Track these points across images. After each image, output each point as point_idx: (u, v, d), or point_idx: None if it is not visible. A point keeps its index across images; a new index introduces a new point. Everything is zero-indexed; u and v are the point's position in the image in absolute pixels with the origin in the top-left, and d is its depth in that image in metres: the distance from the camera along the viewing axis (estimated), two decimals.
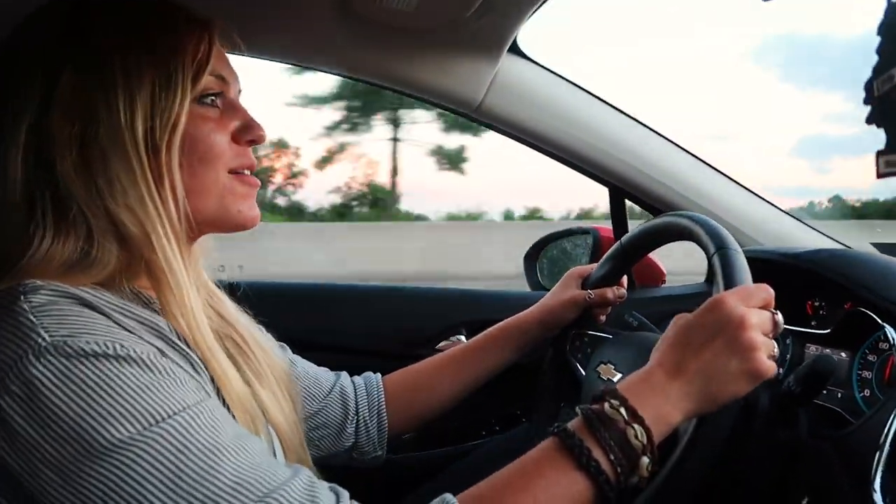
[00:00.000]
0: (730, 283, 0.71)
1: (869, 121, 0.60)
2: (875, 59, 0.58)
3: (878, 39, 0.58)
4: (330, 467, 0.89)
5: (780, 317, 0.68)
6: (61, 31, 0.64)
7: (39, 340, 0.53)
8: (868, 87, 0.60)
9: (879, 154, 0.60)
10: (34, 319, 0.54)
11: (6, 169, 0.62)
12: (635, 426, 0.61)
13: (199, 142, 0.66)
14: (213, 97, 0.69)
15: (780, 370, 0.94)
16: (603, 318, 1.08)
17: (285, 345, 0.96)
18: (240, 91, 0.74)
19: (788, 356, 1.01)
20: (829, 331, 0.95)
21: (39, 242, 0.61)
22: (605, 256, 1.05)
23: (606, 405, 0.63)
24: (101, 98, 0.62)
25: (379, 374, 1.04)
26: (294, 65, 1.20)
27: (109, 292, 0.62)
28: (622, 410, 0.62)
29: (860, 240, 1.40)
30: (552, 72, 1.26)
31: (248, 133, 0.71)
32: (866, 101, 0.60)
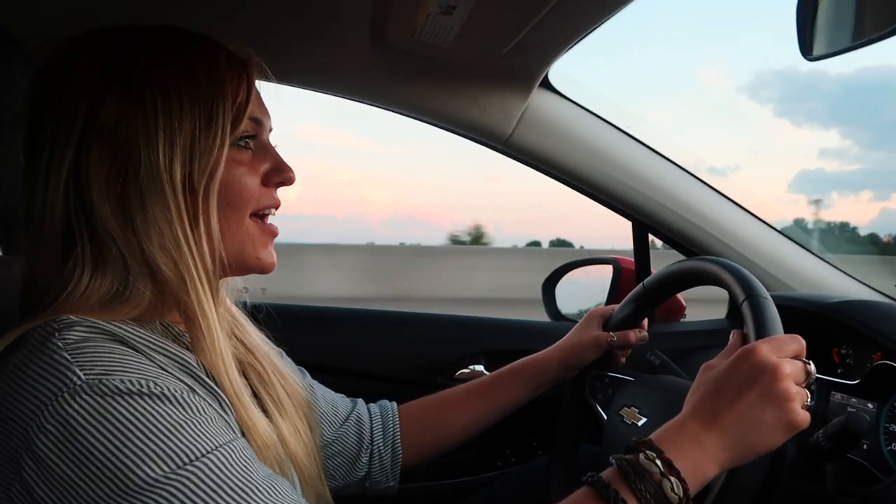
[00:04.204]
0: (761, 332, 0.70)
1: None
2: None
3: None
4: (342, 497, 0.89)
5: (812, 366, 0.68)
6: (106, 63, 0.64)
7: (74, 379, 0.53)
8: None
9: None
10: (69, 357, 0.54)
11: (46, 203, 0.62)
12: (671, 479, 0.60)
13: (232, 186, 0.66)
14: (247, 139, 0.68)
15: None
16: (624, 359, 1.07)
17: (304, 370, 0.96)
18: (271, 130, 0.74)
19: (813, 404, 1.00)
20: (857, 382, 0.94)
21: (79, 278, 0.61)
22: (627, 298, 1.04)
23: (642, 456, 0.62)
24: (142, 137, 0.61)
25: (395, 403, 1.04)
26: (328, 94, 1.21)
27: (141, 327, 0.62)
28: (658, 462, 0.61)
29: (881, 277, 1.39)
30: (581, 107, 1.27)
31: (277, 175, 0.71)
32: None
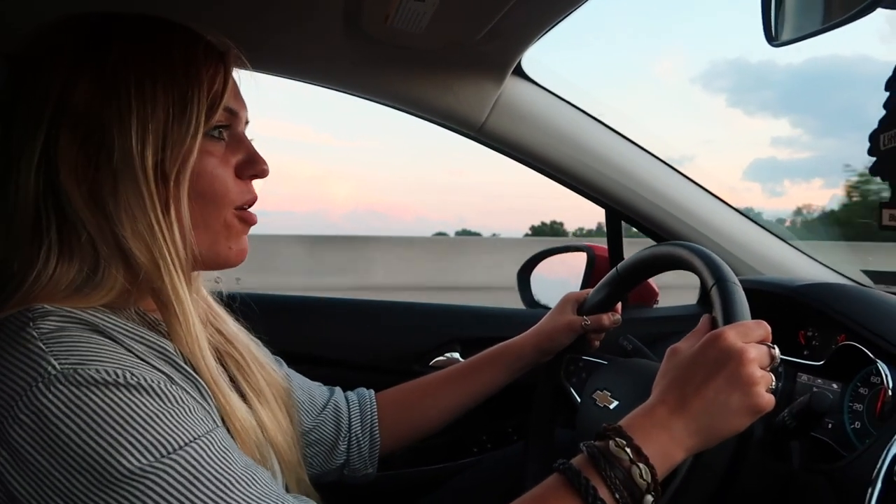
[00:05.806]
0: (729, 317, 0.72)
1: (873, 172, 0.61)
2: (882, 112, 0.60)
3: (885, 94, 0.60)
4: (320, 485, 0.89)
5: (776, 351, 0.69)
6: (81, 47, 0.63)
7: (49, 368, 0.53)
8: (873, 138, 0.61)
9: (883, 206, 0.61)
10: (43, 347, 0.54)
11: (19, 186, 0.61)
12: (640, 465, 0.61)
13: (203, 176, 0.65)
14: (221, 129, 0.68)
15: None
16: (597, 343, 1.09)
17: (281, 359, 0.96)
18: (247, 122, 0.73)
19: (779, 385, 1.02)
20: (822, 363, 0.97)
21: (45, 263, 0.60)
22: (600, 283, 1.05)
23: (611, 443, 0.63)
24: (115, 121, 0.60)
25: (372, 391, 1.04)
26: (300, 81, 1.20)
27: (116, 315, 0.62)
28: (627, 449, 0.62)
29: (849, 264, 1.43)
30: (555, 94, 1.28)
31: (250, 168, 0.70)
32: (870, 153, 0.61)
